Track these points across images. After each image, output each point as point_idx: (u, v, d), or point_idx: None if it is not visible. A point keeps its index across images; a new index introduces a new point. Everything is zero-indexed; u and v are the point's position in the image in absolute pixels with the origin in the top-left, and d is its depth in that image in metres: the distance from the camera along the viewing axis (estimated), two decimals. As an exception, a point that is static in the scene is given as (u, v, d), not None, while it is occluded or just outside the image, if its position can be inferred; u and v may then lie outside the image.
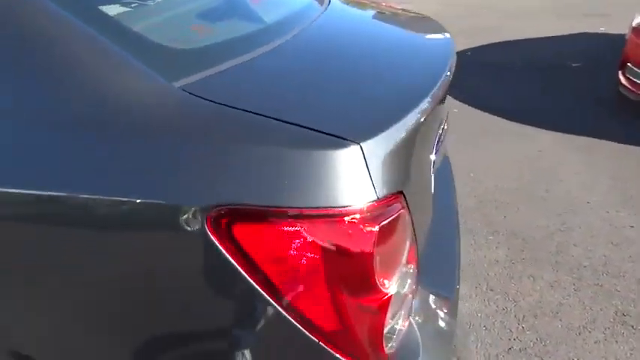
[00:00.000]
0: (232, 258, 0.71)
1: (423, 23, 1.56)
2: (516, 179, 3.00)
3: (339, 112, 0.85)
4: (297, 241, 0.72)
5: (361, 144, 0.74)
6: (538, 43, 5.84)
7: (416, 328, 0.99)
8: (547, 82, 4.64)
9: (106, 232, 0.76)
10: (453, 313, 1.12)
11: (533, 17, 7.08)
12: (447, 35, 1.38)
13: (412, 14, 1.66)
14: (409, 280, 0.91)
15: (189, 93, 0.78)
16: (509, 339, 1.87)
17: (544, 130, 3.65)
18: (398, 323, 0.92)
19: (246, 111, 0.76)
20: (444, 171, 1.67)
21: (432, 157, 1.06)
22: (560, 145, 3.43)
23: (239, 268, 0.72)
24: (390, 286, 0.82)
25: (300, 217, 0.71)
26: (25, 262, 0.80)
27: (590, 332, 1.88)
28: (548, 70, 4.95)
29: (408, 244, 0.87)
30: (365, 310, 0.80)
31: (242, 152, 0.73)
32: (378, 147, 0.78)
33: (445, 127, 1.44)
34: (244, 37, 1.05)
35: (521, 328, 1.92)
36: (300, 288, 0.75)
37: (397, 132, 0.82)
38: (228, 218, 0.70)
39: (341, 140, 0.74)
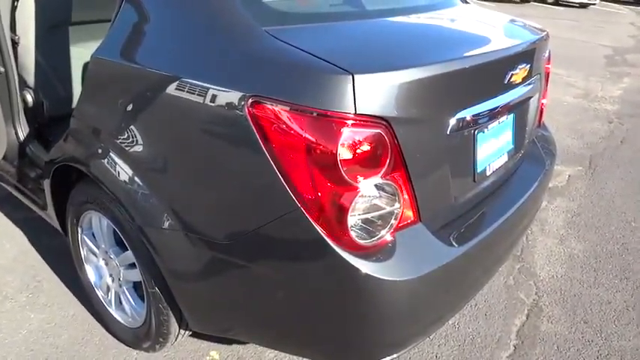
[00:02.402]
0: (255, 129, 1.13)
1: (529, 27, 1.75)
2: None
3: (361, 57, 1.21)
4: (295, 125, 1.10)
5: (354, 75, 1.08)
6: None
7: (397, 247, 1.22)
8: None
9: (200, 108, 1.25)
10: (449, 267, 1.28)
11: None
12: (536, 37, 1.55)
13: (529, 23, 1.83)
14: (389, 195, 1.18)
15: (267, 32, 1.23)
16: (582, 369, 1.79)
17: None
18: (377, 229, 1.19)
19: (292, 45, 1.18)
20: (527, 166, 1.77)
21: (452, 120, 1.28)
22: None
23: (258, 138, 1.13)
24: (360, 184, 1.12)
25: (297, 110, 1.09)
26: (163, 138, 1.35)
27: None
28: None
29: (387, 163, 1.15)
30: (334, 192, 1.12)
31: (279, 68, 1.15)
32: (370, 82, 1.10)
33: (529, 119, 1.63)
34: (334, 12, 1.48)
35: (601, 364, 1.80)
36: (291, 160, 1.12)
37: (391, 79, 1.13)
38: (257, 102, 1.12)
39: (340, 69, 1.09)
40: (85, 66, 2.52)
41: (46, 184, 1.81)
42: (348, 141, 1.09)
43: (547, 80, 1.94)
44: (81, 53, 2.47)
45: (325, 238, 1.13)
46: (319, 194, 1.12)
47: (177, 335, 1.59)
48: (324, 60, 1.12)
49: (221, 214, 1.27)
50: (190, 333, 1.64)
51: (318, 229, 1.13)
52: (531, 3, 15.96)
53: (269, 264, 1.26)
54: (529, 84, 1.63)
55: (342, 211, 1.13)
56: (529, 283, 2.22)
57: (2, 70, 2.09)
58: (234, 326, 1.47)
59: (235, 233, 1.25)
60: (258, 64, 1.19)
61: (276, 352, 1.74)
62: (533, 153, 1.89)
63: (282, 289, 1.26)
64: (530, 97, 1.70)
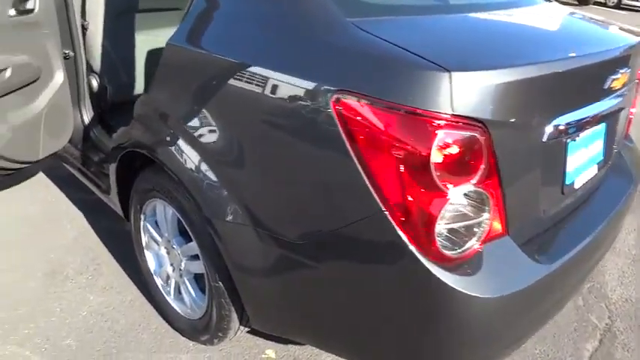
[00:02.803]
0: (340, 125, 1.07)
1: (624, 29, 1.62)
2: None
3: (456, 54, 1.13)
4: (384, 124, 1.03)
5: (452, 72, 1.00)
6: None
7: (484, 261, 1.13)
8: None
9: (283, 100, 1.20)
10: (537, 286, 1.18)
11: None
12: (635, 41, 1.42)
13: (622, 25, 1.68)
14: (479, 205, 1.09)
15: (353, 24, 1.16)
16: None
17: None
18: (464, 240, 1.10)
19: (381, 38, 1.11)
20: (613, 180, 1.63)
21: (549, 126, 1.18)
22: None
23: (343, 135, 1.07)
24: (450, 190, 1.04)
25: (387, 107, 1.02)
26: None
27: None
28: None
29: (480, 169, 1.06)
30: (423, 197, 1.04)
31: (367, 62, 1.08)
32: (468, 81, 1.02)
33: (619, 129, 1.52)
34: (417, 5, 1.40)
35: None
36: (378, 160, 1.05)
37: (490, 79, 1.04)
38: (342, 98, 1.06)
39: (437, 66, 1.01)
40: (150, 53, 2.54)
41: (112, 168, 1.81)
42: (442, 143, 1.01)
43: (638, 88, 1.79)
44: (145, 41, 2.48)
45: (410, 245, 1.06)
46: (407, 198, 1.04)
47: (237, 331, 1.56)
48: (417, 55, 1.05)
49: (295, 211, 1.22)
50: (248, 329, 1.60)
51: (403, 236, 1.05)
52: (591, 6, 15.22)
53: (341, 268, 1.19)
54: (626, 91, 1.50)
55: (430, 218, 1.05)
56: (600, 305, 2.07)
57: (72, 54, 2.12)
58: (296, 327, 1.42)
59: (309, 233, 1.20)
60: (344, 56, 1.13)
61: (332, 355, 1.68)
62: (620, 165, 1.75)
63: (353, 296, 1.20)
64: (625, 106, 1.57)
